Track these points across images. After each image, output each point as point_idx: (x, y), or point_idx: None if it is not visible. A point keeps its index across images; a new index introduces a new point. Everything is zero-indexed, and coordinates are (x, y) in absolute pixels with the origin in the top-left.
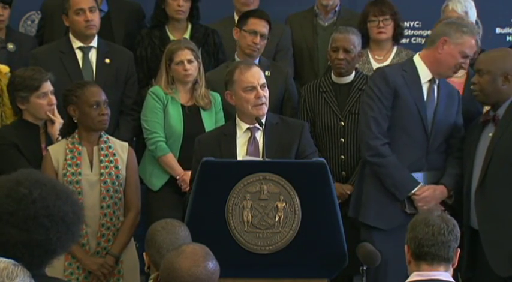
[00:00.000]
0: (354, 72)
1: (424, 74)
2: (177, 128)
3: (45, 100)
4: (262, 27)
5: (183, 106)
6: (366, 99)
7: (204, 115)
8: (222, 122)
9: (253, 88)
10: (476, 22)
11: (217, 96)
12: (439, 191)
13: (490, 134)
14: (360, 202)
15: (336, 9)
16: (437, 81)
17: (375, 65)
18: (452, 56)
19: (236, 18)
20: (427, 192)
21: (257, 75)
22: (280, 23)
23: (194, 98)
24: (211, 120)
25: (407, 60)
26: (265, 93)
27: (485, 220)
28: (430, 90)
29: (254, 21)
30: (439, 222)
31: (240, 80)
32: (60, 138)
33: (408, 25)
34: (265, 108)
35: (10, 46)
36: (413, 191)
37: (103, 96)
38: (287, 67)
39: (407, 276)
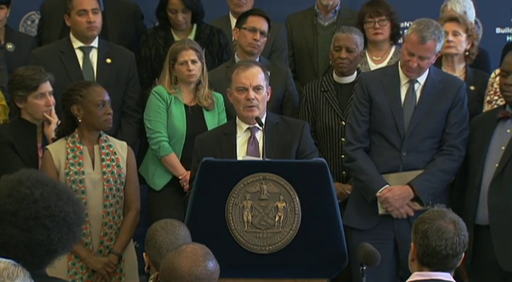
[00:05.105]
0: (355, 72)
1: (404, 75)
2: (179, 128)
3: (43, 101)
4: (262, 24)
5: (186, 106)
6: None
7: (207, 115)
8: (224, 122)
9: (245, 89)
10: (476, 22)
11: (220, 96)
12: (402, 192)
13: (509, 131)
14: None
15: (336, 9)
16: (421, 81)
17: (373, 66)
18: (403, 54)
19: (231, 18)
20: (389, 194)
21: (251, 77)
22: (276, 23)
23: (197, 99)
24: (214, 121)
25: (394, 63)
26: (258, 95)
27: (497, 213)
28: (410, 91)
29: (253, 19)
30: (452, 235)
31: (235, 80)
32: (55, 138)
33: (408, 25)
34: (255, 111)
35: (9, 46)
36: (377, 193)
37: (107, 96)
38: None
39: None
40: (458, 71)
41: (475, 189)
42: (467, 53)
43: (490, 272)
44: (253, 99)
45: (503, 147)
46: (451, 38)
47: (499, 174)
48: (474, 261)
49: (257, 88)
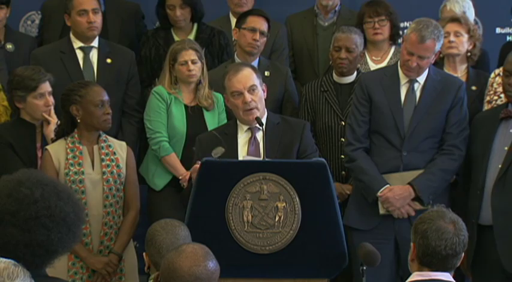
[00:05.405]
0: (355, 72)
1: (404, 75)
2: (180, 128)
3: (42, 101)
4: (261, 24)
5: (186, 106)
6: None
7: (207, 115)
8: (224, 122)
9: (240, 94)
10: (476, 22)
11: (220, 97)
12: (403, 191)
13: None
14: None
15: (336, 9)
16: (420, 81)
17: (373, 66)
18: (402, 54)
19: (231, 18)
20: (390, 193)
21: (244, 80)
22: (276, 23)
23: (197, 99)
24: (214, 121)
25: (394, 63)
26: (254, 97)
27: (501, 214)
28: (410, 91)
29: (253, 19)
30: (451, 236)
31: (228, 86)
32: (55, 138)
33: (407, 25)
34: (255, 113)
35: (9, 46)
36: (378, 193)
37: (106, 96)
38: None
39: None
40: (460, 71)
41: (479, 190)
42: (469, 54)
43: (494, 272)
44: (250, 101)
45: (506, 148)
46: (452, 38)
47: (503, 175)
48: (478, 261)
49: (252, 89)
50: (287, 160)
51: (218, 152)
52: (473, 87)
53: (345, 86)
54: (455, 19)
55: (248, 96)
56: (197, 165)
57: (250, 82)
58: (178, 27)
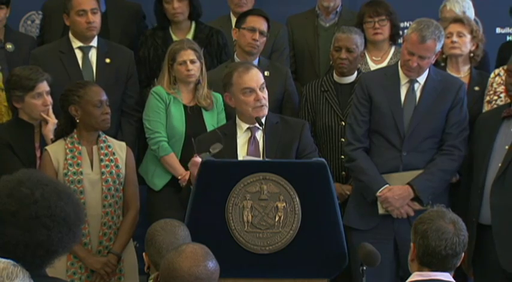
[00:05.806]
0: (356, 72)
1: (404, 75)
2: (179, 128)
3: (40, 100)
4: (261, 24)
5: (185, 106)
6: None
7: (206, 115)
8: (223, 122)
9: (252, 91)
10: (476, 22)
11: (219, 96)
12: (402, 191)
13: None
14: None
15: (338, 10)
16: (420, 81)
17: (373, 66)
18: (403, 54)
19: (232, 17)
20: (389, 193)
21: (255, 78)
22: (276, 23)
23: (196, 99)
24: (213, 121)
25: (394, 63)
26: (264, 94)
27: (500, 213)
28: (410, 91)
29: (252, 19)
30: (451, 236)
31: (238, 83)
32: (54, 139)
33: (407, 25)
34: (265, 109)
35: (9, 46)
36: (377, 193)
37: (105, 96)
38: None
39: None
40: (463, 72)
41: (479, 189)
42: (471, 55)
43: (494, 271)
44: (261, 99)
45: (506, 147)
46: (455, 39)
47: (502, 173)
48: (478, 260)
49: (262, 87)
50: (287, 160)
51: (216, 147)
52: (476, 88)
53: (345, 86)
54: (458, 19)
55: (260, 94)
56: (195, 159)
57: (261, 80)
58: (176, 23)
